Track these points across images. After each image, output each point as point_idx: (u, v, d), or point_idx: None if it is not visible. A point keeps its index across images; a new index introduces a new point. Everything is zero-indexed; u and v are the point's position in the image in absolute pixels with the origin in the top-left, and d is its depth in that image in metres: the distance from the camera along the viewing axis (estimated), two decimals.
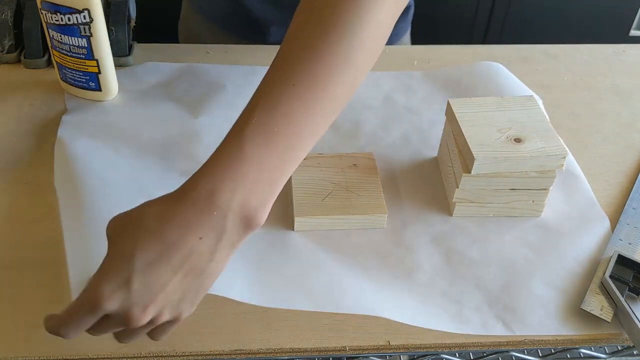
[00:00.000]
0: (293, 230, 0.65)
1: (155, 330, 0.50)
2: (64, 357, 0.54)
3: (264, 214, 0.48)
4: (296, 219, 0.65)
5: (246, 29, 0.95)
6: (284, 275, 0.60)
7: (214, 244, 0.46)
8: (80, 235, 0.61)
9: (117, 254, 0.46)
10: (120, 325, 0.46)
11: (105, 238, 0.48)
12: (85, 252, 0.58)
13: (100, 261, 0.47)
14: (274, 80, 0.50)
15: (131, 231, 0.46)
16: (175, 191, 0.47)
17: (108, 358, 0.54)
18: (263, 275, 0.60)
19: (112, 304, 0.44)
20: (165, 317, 0.47)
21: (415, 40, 1.06)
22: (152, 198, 0.48)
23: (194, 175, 0.47)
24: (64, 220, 0.63)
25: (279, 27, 0.94)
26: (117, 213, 0.48)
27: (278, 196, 0.68)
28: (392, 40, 1.03)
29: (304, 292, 0.59)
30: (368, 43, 0.51)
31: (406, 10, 1.00)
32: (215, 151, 0.48)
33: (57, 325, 0.47)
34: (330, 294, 0.59)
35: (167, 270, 0.45)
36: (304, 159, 0.69)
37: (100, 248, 0.48)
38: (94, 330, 0.47)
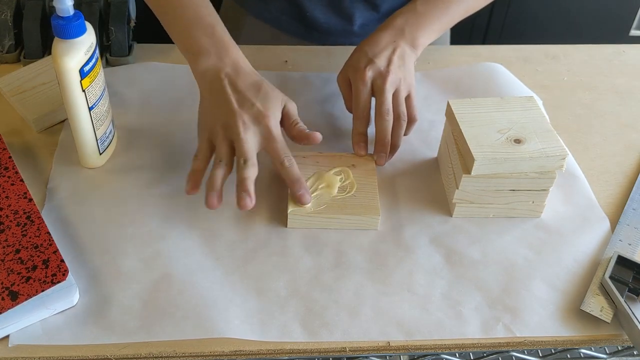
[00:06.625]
0: (286, 227, 0.65)
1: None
2: (64, 357, 0.54)
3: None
4: (289, 215, 0.65)
5: (303, 32, 0.94)
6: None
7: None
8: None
9: None
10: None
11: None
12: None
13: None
14: None
15: None
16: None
17: (108, 358, 0.54)
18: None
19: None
20: None
21: None
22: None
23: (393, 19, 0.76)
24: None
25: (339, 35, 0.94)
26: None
27: (273, 191, 0.69)
28: None
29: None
30: None
31: None
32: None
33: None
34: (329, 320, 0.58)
35: None
36: (303, 157, 0.70)
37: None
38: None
